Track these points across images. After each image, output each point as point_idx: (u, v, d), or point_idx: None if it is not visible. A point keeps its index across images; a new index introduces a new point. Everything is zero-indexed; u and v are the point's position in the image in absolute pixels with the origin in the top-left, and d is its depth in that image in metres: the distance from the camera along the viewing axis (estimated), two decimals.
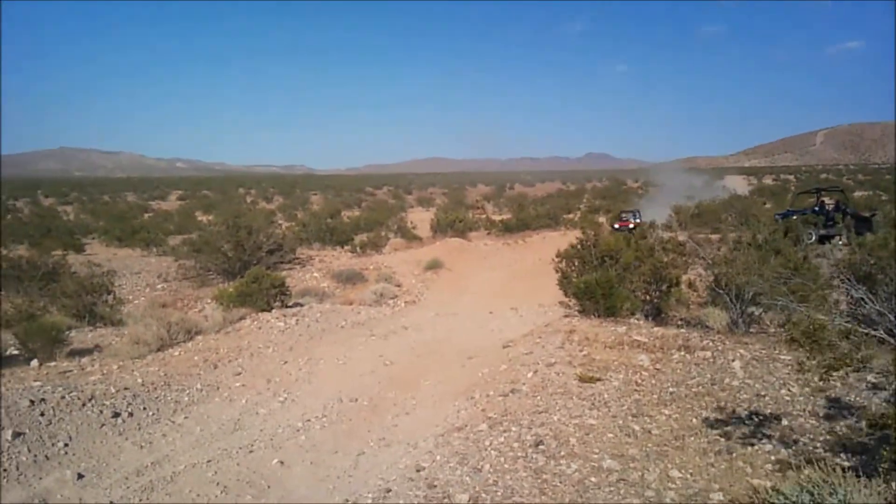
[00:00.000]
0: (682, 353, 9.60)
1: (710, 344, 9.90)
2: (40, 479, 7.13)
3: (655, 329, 11.17)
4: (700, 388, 8.18)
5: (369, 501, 5.98)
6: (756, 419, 7.10)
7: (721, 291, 11.33)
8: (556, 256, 14.48)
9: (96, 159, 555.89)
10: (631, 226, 31.26)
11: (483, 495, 5.64)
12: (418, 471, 6.49)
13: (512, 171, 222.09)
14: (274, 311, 14.70)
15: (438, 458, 6.76)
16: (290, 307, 15.53)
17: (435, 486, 5.98)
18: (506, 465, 6.25)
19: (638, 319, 12.23)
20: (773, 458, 6.15)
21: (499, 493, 5.66)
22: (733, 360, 9.01)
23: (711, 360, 9.20)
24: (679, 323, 12.14)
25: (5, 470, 7.12)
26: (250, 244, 21.15)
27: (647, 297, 12.75)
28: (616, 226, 31.73)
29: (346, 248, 27.86)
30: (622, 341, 10.37)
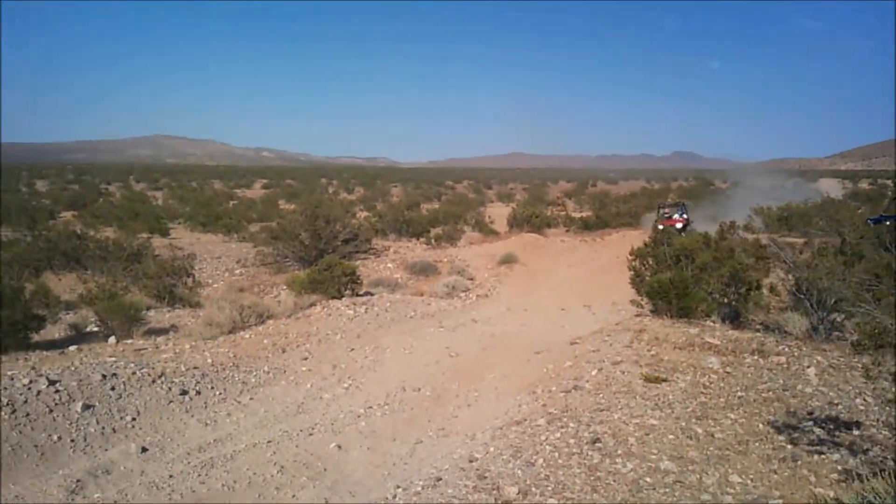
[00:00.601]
0: (756, 357, 9.26)
1: (786, 349, 9.52)
2: (106, 450, 7.40)
3: (730, 332, 10.80)
4: (770, 393, 7.87)
5: (419, 488, 5.99)
6: (826, 427, 6.79)
7: (802, 296, 10.91)
8: (630, 254, 14.19)
9: (187, 147, 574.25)
10: (679, 224, 27.74)
11: (533, 489, 5.57)
12: (471, 461, 6.46)
13: (597, 169, 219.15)
14: (344, 298, 14.92)
15: (492, 449, 6.71)
16: (361, 296, 15.72)
17: (485, 477, 5.93)
18: (560, 461, 6.15)
19: (714, 322, 11.86)
20: (839, 467, 5.87)
21: (549, 488, 5.57)
22: (808, 367, 8.64)
23: (785, 365, 8.85)
24: (757, 327, 11.72)
25: (73, 440, 7.43)
26: (327, 233, 21.51)
27: (726, 300, 12.35)
28: (660, 226, 27.21)
29: (421, 239, 28.04)
30: (693, 343, 10.06)
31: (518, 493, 5.49)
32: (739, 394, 7.92)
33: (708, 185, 77.77)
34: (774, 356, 9.23)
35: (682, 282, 11.91)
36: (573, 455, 6.27)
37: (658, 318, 11.93)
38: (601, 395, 8.06)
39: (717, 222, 23.69)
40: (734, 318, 12.11)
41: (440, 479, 6.12)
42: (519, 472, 5.98)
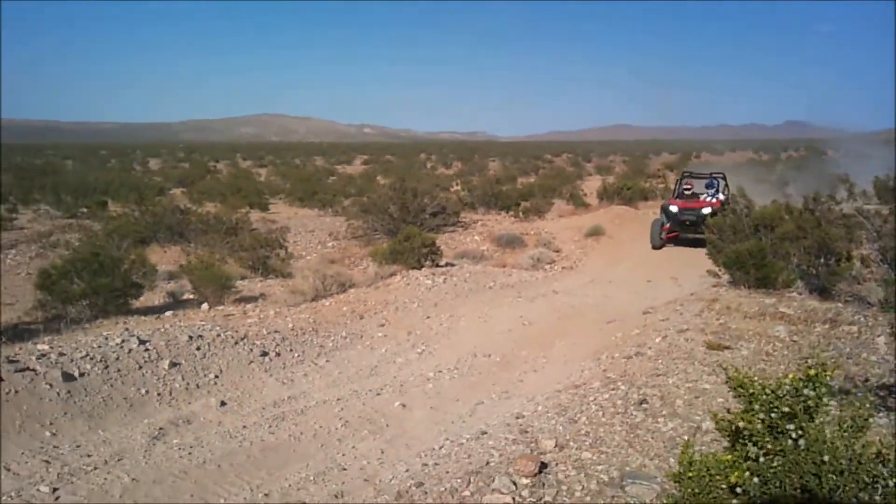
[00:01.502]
0: (826, 326, 9.15)
1: (861, 319, 9.33)
2: (189, 403, 8.10)
3: (808, 302, 10.63)
4: (832, 361, 7.80)
5: (464, 440, 6.38)
6: (882, 393, 6.73)
7: (887, 265, 10.63)
8: (706, 225, 14.02)
9: (291, 125, 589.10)
10: (706, 210, 19.40)
11: (571, 443, 5.81)
12: (517, 418, 6.79)
13: (703, 140, 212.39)
14: (424, 269, 15.35)
15: (540, 408, 7.01)
16: (441, 266, 16.11)
17: (527, 432, 6.23)
18: (602, 419, 6.36)
19: (799, 293, 11.65)
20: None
21: (587, 443, 5.80)
22: (879, 336, 8.49)
23: (856, 334, 8.72)
24: (847, 298, 11.43)
25: (159, 394, 8.16)
26: (414, 206, 22.03)
27: (813, 272, 12.08)
28: (673, 209, 20.47)
29: (510, 213, 28.21)
30: (765, 312, 9.98)
31: (555, 446, 5.76)
32: (800, 361, 7.88)
33: (820, 155, 74.45)
34: (846, 325, 9.09)
35: (761, 251, 11.76)
36: (617, 414, 6.46)
37: (735, 288, 11.82)
38: (660, 361, 8.17)
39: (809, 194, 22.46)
40: (823, 291, 11.83)
41: (485, 432, 6.49)
42: (560, 427, 6.25)
